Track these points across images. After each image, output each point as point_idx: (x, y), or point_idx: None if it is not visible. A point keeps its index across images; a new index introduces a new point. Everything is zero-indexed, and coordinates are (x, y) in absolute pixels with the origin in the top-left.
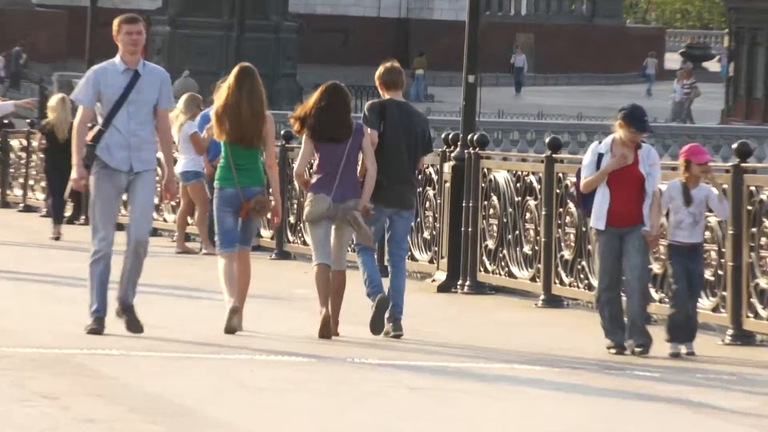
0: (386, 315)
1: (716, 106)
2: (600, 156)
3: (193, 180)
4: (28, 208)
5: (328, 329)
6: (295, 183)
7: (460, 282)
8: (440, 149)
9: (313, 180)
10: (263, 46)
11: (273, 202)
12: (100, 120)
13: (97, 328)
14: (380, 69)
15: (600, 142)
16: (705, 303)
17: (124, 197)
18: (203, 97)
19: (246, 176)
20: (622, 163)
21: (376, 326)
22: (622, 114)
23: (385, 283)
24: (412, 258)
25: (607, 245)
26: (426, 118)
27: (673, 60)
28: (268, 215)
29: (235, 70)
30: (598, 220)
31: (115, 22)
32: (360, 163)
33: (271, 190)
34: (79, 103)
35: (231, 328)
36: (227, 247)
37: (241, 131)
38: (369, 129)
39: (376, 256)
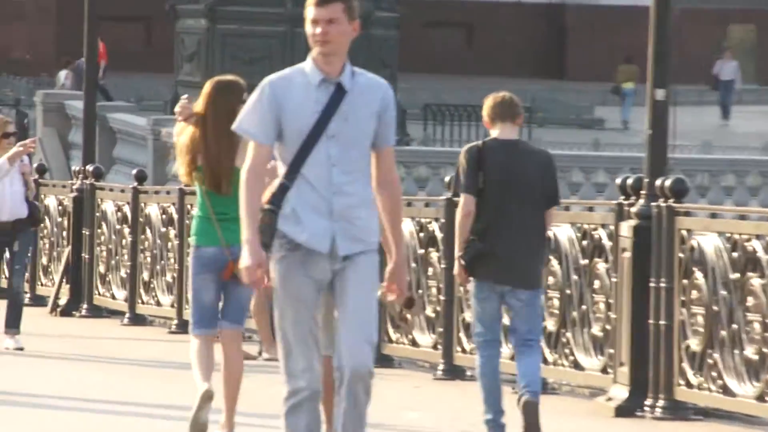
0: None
1: None
2: None
3: None
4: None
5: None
6: None
7: (649, 402)
8: (615, 201)
9: None
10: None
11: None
12: (280, 167)
13: None
14: (488, 100)
15: None
16: None
17: None
18: None
19: (232, 229)
20: None
21: None
22: None
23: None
24: (576, 365)
25: None
26: (550, 159)
27: None
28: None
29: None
30: None
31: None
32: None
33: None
34: (246, 136)
35: (198, 424)
36: (202, 327)
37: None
38: (462, 195)
39: (499, 354)
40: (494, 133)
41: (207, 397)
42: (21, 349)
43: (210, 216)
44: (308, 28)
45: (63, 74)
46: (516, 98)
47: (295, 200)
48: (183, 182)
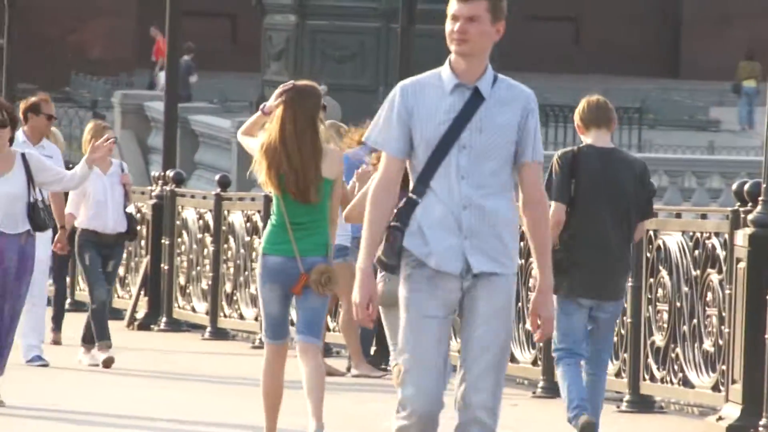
0: None
1: None
2: None
3: (338, 258)
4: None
5: None
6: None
7: (763, 422)
8: (730, 208)
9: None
10: (444, 46)
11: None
12: (411, 179)
13: None
14: (582, 104)
15: None
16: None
17: None
18: (349, 128)
19: (306, 239)
20: None
21: None
22: None
23: None
24: (685, 381)
25: None
26: (645, 169)
27: None
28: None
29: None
30: None
31: None
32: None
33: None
34: (376, 147)
35: None
36: (270, 338)
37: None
38: (552, 203)
39: (582, 363)
40: (587, 139)
41: None
42: (97, 365)
43: (283, 224)
44: (447, 25)
45: (164, 75)
46: (609, 102)
47: (422, 216)
48: (265, 189)
